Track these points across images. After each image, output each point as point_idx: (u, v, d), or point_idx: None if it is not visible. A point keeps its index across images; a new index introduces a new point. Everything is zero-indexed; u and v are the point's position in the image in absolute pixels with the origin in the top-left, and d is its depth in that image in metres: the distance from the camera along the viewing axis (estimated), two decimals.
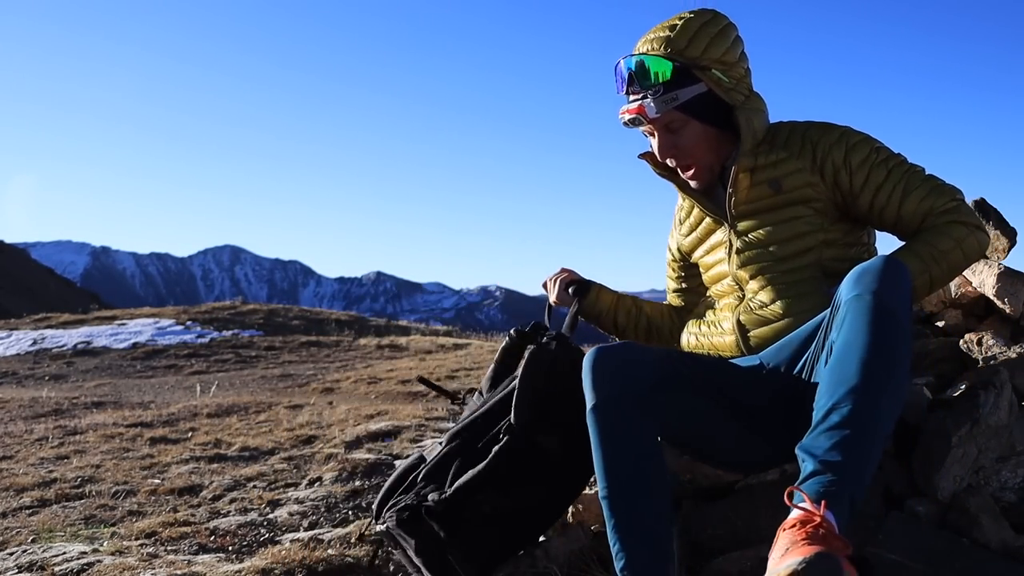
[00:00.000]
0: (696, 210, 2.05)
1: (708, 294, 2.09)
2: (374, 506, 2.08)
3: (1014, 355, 2.03)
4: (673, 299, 2.26)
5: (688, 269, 2.17)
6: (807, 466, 1.37)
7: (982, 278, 2.25)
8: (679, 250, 2.15)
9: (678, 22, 1.85)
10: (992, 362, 2.04)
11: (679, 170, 1.95)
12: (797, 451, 1.42)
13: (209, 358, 11.62)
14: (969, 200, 2.41)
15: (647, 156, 2.00)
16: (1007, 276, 2.20)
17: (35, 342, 13.77)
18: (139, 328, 14.50)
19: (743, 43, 1.90)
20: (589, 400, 1.63)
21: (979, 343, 2.15)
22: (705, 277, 2.07)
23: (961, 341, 2.19)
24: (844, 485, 1.33)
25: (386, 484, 2.10)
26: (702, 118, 1.86)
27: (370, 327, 16.35)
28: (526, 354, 1.96)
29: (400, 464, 2.20)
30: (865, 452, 1.37)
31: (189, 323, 15.04)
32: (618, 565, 1.53)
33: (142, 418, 5.62)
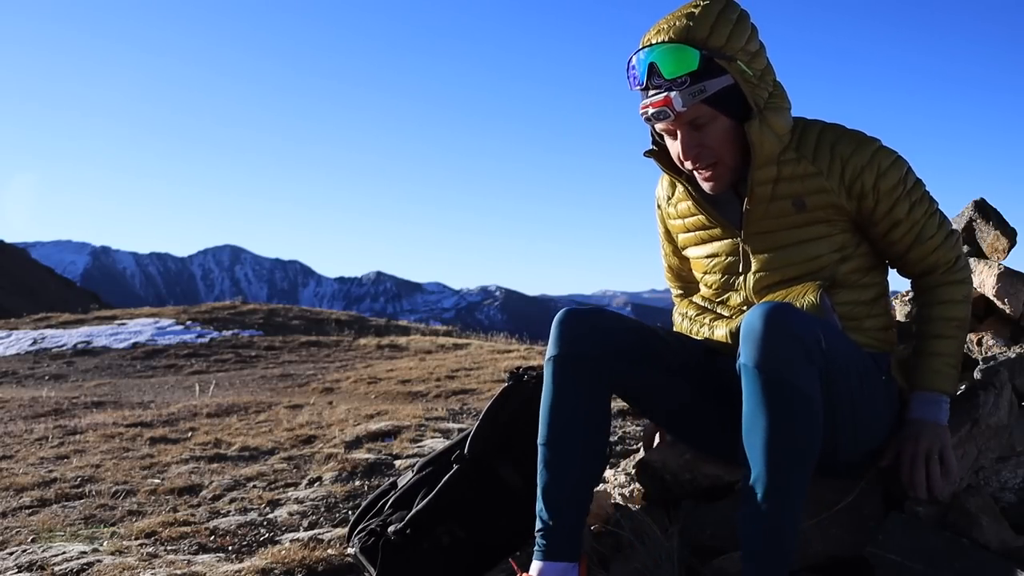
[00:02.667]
0: (691, 206, 1.92)
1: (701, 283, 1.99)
2: (347, 529, 2.15)
3: (1014, 355, 2.03)
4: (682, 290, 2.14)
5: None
6: (741, 552, 1.55)
7: (982, 278, 2.25)
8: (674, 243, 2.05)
9: (694, 9, 1.70)
10: (992, 362, 2.04)
11: (696, 172, 1.79)
12: (737, 522, 1.57)
13: (209, 358, 11.62)
14: (969, 200, 2.41)
15: (654, 154, 1.87)
16: (1007, 276, 2.20)
17: (35, 342, 13.76)
18: (139, 328, 14.50)
19: (758, 31, 1.75)
20: (550, 350, 1.76)
21: (979, 343, 2.16)
22: (698, 273, 1.98)
23: None
24: (765, 571, 1.52)
25: (360, 507, 2.19)
26: (730, 113, 1.72)
27: (370, 327, 16.35)
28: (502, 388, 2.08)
29: (388, 482, 2.26)
30: (781, 530, 1.52)
31: (189, 323, 15.04)
32: (541, 496, 1.71)
33: (142, 418, 5.61)
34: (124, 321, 15.47)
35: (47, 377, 10.51)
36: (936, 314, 1.82)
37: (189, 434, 4.91)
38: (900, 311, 2.49)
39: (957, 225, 2.43)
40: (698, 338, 1.93)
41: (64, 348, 13.05)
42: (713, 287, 1.94)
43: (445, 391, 6.88)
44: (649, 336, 1.83)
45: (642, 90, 1.74)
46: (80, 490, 3.53)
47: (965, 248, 2.38)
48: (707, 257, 1.93)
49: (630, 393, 1.86)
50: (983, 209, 2.36)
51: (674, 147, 1.79)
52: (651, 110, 1.71)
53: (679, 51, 1.67)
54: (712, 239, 1.91)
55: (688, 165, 1.78)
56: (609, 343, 1.76)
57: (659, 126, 1.77)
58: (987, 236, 2.32)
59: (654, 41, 1.71)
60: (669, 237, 2.06)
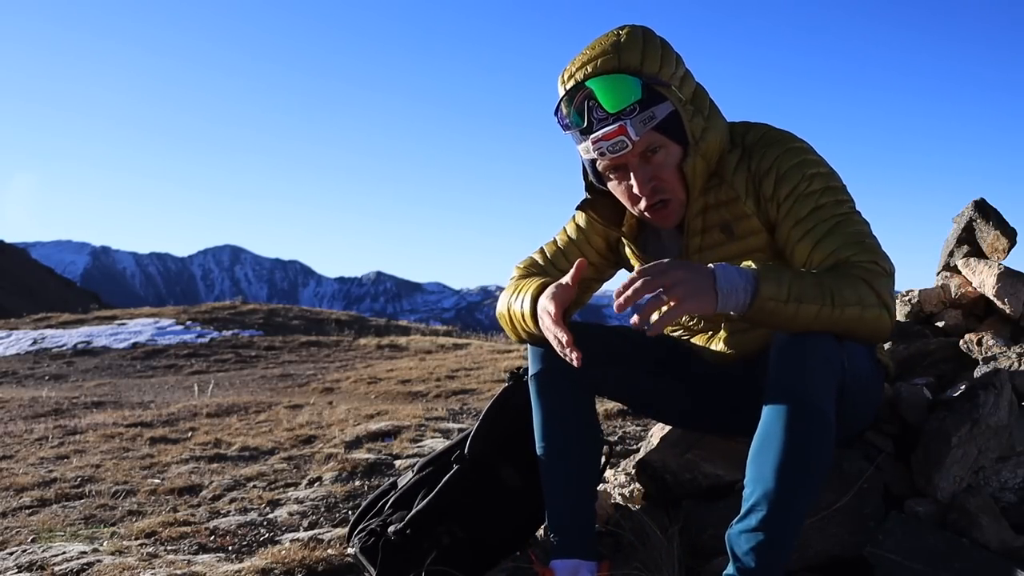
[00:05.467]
0: (632, 254, 1.89)
1: None
2: (347, 529, 2.16)
3: (1014, 355, 2.03)
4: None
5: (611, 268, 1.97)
6: (729, 566, 1.50)
7: (982, 278, 2.25)
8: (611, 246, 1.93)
9: (617, 39, 1.62)
10: (992, 362, 2.04)
11: (649, 212, 1.71)
12: (726, 537, 1.53)
13: (209, 358, 11.62)
14: (969, 200, 2.41)
15: (590, 204, 1.82)
16: (1007, 276, 2.20)
17: (35, 342, 13.76)
18: (139, 328, 14.50)
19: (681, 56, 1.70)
20: (530, 370, 1.85)
21: (979, 343, 2.15)
22: None
23: (961, 341, 2.19)
24: None
25: (360, 507, 2.20)
26: (678, 140, 1.65)
27: (370, 327, 16.35)
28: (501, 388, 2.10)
29: (386, 484, 2.26)
30: (776, 555, 1.48)
31: (189, 323, 15.04)
32: (547, 501, 1.81)
33: (142, 418, 5.61)
34: (124, 321, 15.47)
35: (47, 377, 10.51)
36: (832, 271, 1.56)
37: (189, 434, 4.91)
38: (900, 311, 2.49)
39: (957, 225, 2.43)
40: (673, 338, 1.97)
41: (64, 348, 13.05)
42: None
43: (445, 391, 6.87)
44: (615, 338, 1.89)
45: (581, 132, 1.64)
46: (80, 490, 3.53)
47: (965, 248, 2.38)
48: None
49: (610, 392, 1.96)
50: (983, 209, 2.36)
51: (619, 189, 1.71)
52: (605, 143, 1.60)
53: (620, 81, 1.58)
54: None
55: (642, 204, 1.69)
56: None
57: (609, 161, 1.66)
58: (987, 236, 2.32)
59: (581, 78, 1.61)
60: (594, 238, 1.92)
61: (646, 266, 1.47)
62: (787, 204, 1.65)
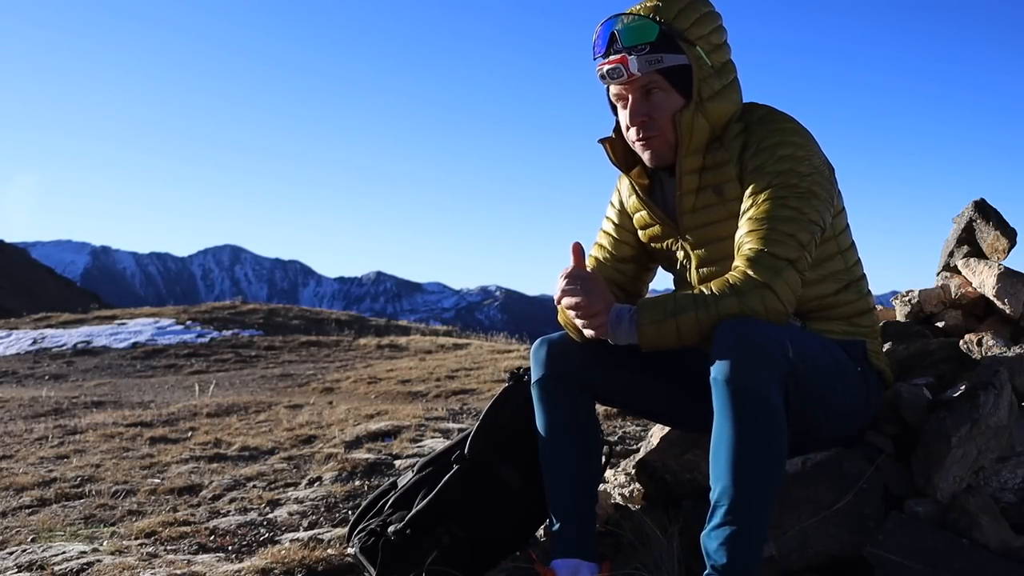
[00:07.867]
0: (636, 202, 1.96)
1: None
2: (347, 528, 2.16)
3: (1014, 355, 2.03)
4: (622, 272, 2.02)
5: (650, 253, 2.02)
6: (706, 566, 1.54)
7: (982, 278, 2.25)
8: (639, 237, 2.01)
9: None
10: (992, 362, 2.04)
11: (638, 143, 1.83)
12: (700, 542, 1.57)
13: (209, 358, 11.62)
14: (969, 201, 2.41)
15: (607, 142, 1.92)
16: (1007, 277, 2.20)
17: (35, 342, 13.76)
18: (139, 328, 14.50)
19: (727, 33, 1.83)
20: (534, 376, 1.91)
21: (979, 343, 2.15)
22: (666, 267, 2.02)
23: (961, 341, 2.19)
24: None
25: (360, 507, 2.20)
26: (682, 92, 1.78)
27: (370, 327, 16.35)
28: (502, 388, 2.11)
29: (390, 481, 2.27)
30: (745, 547, 1.51)
31: (189, 323, 15.04)
32: (549, 503, 1.85)
33: (142, 418, 5.61)
34: (124, 321, 15.47)
35: (47, 377, 10.51)
36: (713, 280, 1.67)
37: (189, 434, 4.91)
38: (900, 311, 2.49)
39: (957, 225, 2.43)
40: None
41: (64, 348, 13.05)
42: (674, 285, 2.01)
43: (445, 391, 6.88)
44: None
45: (602, 58, 1.80)
46: (80, 490, 3.53)
47: (965, 248, 2.38)
48: (662, 253, 1.97)
49: (610, 397, 1.99)
50: (983, 209, 2.36)
51: (623, 116, 1.83)
52: (606, 67, 1.77)
53: (640, 23, 1.75)
54: (656, 238, 1.96)
55: (632, 135, 1.83)
56: (582, 358, 1.86)
57: (613, 89, 1.82)
58: (987, 236, 2.32)
59: (620, 15, 1.79)
60: (624, 219, 2.02)
61: (586, 276, 1.70)
62: (751, 178, 1.74)
